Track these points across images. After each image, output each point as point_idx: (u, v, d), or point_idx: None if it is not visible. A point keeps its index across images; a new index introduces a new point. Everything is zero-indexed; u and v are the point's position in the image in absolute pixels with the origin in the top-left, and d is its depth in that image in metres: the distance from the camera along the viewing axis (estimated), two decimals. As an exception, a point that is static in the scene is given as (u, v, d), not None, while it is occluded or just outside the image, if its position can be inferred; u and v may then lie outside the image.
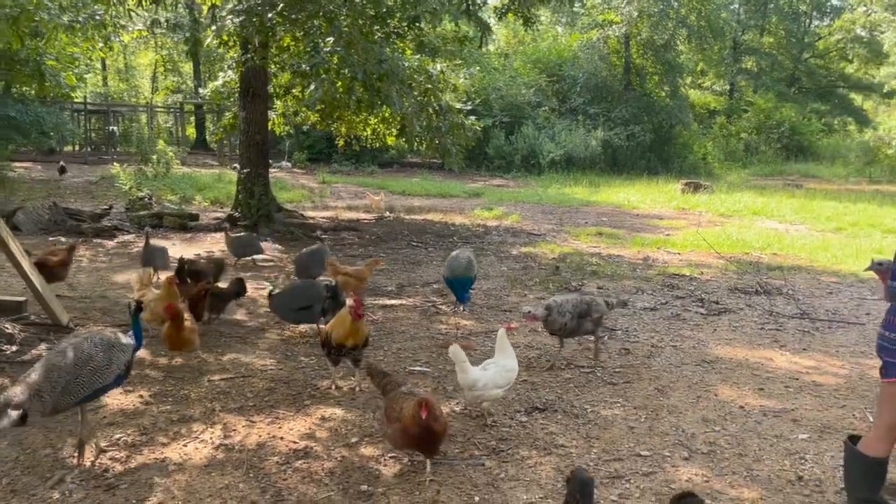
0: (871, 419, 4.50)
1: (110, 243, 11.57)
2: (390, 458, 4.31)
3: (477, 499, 3.86)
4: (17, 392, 3.64)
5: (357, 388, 5.47)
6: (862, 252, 12.11)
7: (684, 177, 25.41)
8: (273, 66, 12.92)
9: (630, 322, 7.70)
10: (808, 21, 46.13)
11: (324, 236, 12.99)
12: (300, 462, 4.20)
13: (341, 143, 17.11)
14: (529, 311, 6.03)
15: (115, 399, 5.07)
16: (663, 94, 32.27)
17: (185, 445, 4.41)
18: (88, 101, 33.41)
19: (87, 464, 4.11)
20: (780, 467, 4.32)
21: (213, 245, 11.68)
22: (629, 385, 5.74)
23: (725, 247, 12.39)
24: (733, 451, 4.52)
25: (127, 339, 4.31)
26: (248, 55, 11.66)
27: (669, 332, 7.34)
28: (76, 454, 4.15)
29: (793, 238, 13.63)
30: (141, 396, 5.16)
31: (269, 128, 14.50)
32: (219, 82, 14.60)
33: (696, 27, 33.33)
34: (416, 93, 12.92)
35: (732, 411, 5.21)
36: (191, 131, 37.10)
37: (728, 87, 44.57)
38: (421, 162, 31.86)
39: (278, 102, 15.03)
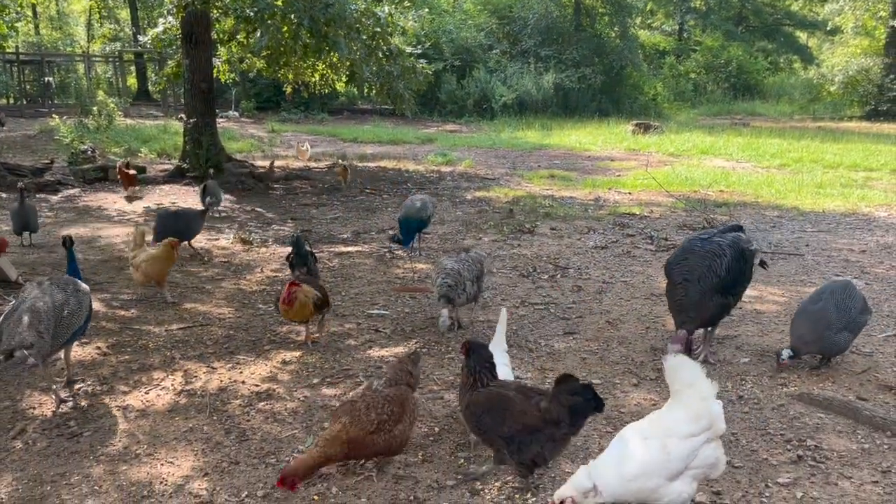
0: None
1: (54, 198, 11.26)
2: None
3: (437, 430, 4.00)
4: (27, 335, 3.89)
5: (318, 338, 5.37)
6: (804, 187, 12.53)
7: (635, 118, 25.64)
8: (215, 11, 12.49)
9: (582, 260, 7.90)
10: (755, -42, 46.25)
11: (276, 186, 12.87)
12: (263, 404, 4.29)
13: (289, 90, 16.73)
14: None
15: (73, 351, 5.04)
16: (613, 34, 32.25)
17: (146, 393, 4.45)
18: (21, 51, 31.89)
19: (69, 403, 4.28)
20: (723, 388, 4.57)
21: (162, 198, 11.47)
22: (581, 319, 5.94)
23: (674, 185, 12.67)
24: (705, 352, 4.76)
25: (83, 284, 4.52)
26: (189, 0, 11.25)
27: (620, 269, 7.56)
28: (60, 393, 4.35)
29: (739, 175, 13.98)
30: (98, 348, 5.14)
31: (214, 76, 14.10)
32: (159, 29, 14.04)
33: (645, -35, 33.24)
34: (364, 36, 12.68)
35: (679, 339, 5.44)
36: (132, 81, 35.81)
37: (677, 27, 44.72)
38: (372, 108, 31.44)
39: (222, 49, 14.60)
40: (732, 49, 37.40)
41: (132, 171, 11.55)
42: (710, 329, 5.10)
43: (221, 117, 24.35)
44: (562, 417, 3.19)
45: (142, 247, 6.30)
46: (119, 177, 11.65)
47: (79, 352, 5.05)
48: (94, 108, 19.14)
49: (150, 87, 33.84)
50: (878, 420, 4.03)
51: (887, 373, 4.80)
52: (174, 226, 7.38)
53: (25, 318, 3.97)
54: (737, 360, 5.05)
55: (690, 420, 2.94)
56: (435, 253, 8.17)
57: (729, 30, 41.75)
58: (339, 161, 14.96)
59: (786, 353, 4.73)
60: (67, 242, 5.00)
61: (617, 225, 9.75)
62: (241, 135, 20.62)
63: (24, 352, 3.85)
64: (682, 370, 3.04)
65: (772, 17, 45.00)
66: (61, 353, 4.45)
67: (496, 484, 3.46)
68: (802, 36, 46.34)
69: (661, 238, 8.95)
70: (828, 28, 38.67)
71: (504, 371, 3.83)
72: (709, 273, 4.70)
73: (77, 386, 4.50)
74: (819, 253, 8.21)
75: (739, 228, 5.16)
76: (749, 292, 6.60)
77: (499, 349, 4.01)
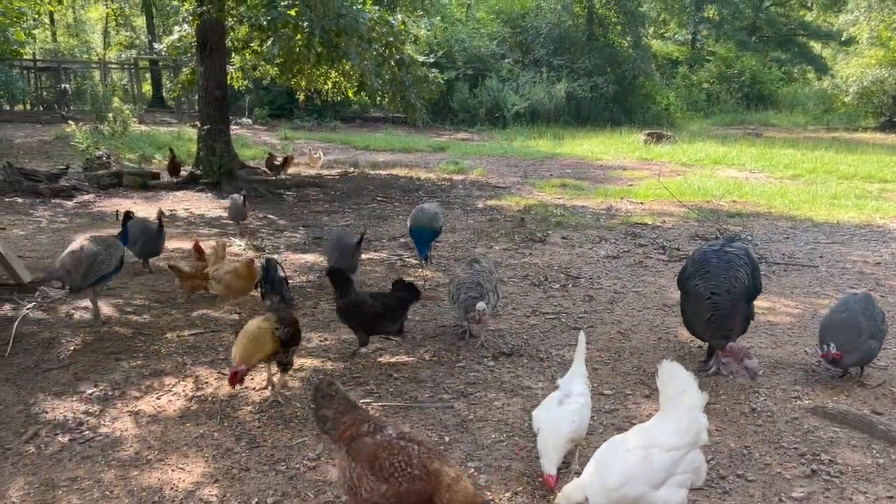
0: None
1: (69, 203, 11.35)
2: (362, 403, 4.42)
3: (447, 439, 4.00)
4: (56, 268, 5.33)
5: (274, 399, 4.45)
6: (818, 198, 12.45)
7: (647, 127, 25.59)
8: (230, 20, 12.60)
9: (594, 270, 7.87)
10: (768, -32, 46.19)
11: (288, 193, 12.92)
12: (273, 410, 4.29)
13: (302, 97, 16.83)
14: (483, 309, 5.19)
15: (85, 356, 5.08)
16: (626, 44, 32.22)
17: (158, 398, 4.46)
18: (38, 57, 32.24)
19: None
20: (736, 401, 4.54)
21: (175, 204, 11.54)
22: (593, 329, 5.91)
23: (687, 195, 12.62)
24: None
25: (118, 242, 5.93)
26: (204, 8, 11.34)
27: (632, 279, 7.53)
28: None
29: (752, 185, 13.91)
30: (111, 353, 5.17)
31: (228, 83, 14.20)
32: (174, 36, 14.16)
33: (658, -25, 33.25)
34: (376, 45, 12.74)
35: (692, 351, 5.42)
36: (147, 88, 36.07)
37: (690, 37, 44.64)
38: (384, 116, 31.53)
39: (236, 57, 14.70)
40: (746, 59, 37.31)
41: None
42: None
43: (235, 124, 24.49)
44: (395, 306, 5.01)
45: (223, 259, 6.20)
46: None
47: (91, 357, 5.08)
48: (110, 115, 19.31)
49: (164, 94, 34.10)
50: (893, 434, 3.99)
51: (903, 386, 4.75)
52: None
53: (62, 260, 5.33)
54: (750, 372, 5.00)
55: (678, 433, 2.96)
56: (446, 261, 8.17)
57: (742, 40, 41.67)
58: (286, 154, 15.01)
59: (834, 346, 4.63)
60: (128, 216, 6.73)
61: (629, 235, 9.72)
62: (254, 142, 20.74)
63: (55, 283, 5.56)
64: (676, 377, 3.07)
65: (785, 27, 44.90)
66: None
67: (506, 494, 3.45)
68: (816, 46, 46.15)
69: (674, 248, 8.91)
70: (842, 38, 38.46)
71: (581, 402, 3.54)
72: (736, 283, 4.68)
73: (89, 391, 4.53)
74: (833, 265, 8.15)
75: (735, 239, 5.18)
76: (762, 304, 6.57)
77: (578, 375, 3.74)
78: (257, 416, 4.22)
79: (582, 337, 3.89)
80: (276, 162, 13.95)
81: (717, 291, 4.66)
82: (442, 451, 3.06)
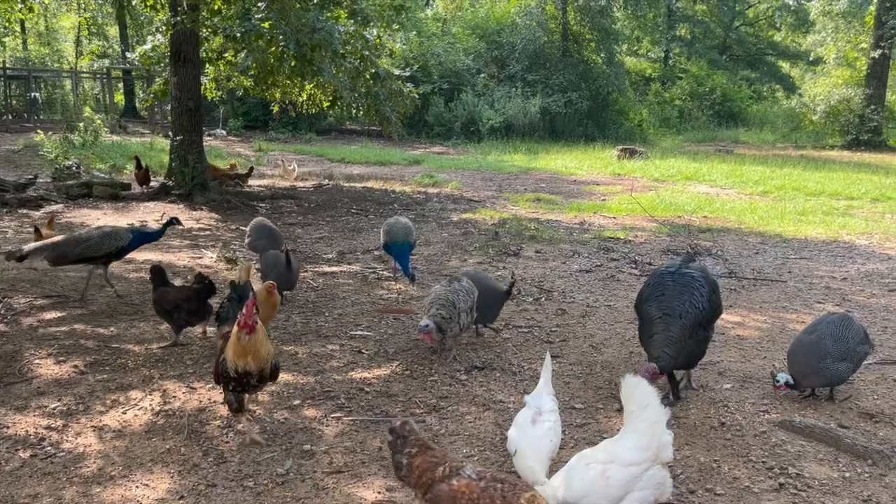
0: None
1: (37, 213, 11.14)
2: (333, 418, 4.38)
3: (418, 454, 3.96)
4: (31, 245, 6.48)
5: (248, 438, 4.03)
6: (786, 214, 12.66)
7: (620, 143, 25.87)
8: (205, 30, 12.52)
9: (566, 284, 7.91)
10: (738, -11, 47.20)
11: (262, 205, 12.83)
12: (242, 425, 4.23)
13: (276, 108, 16.74)
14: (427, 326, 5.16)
15: (49, 369, 4.97)
16: (600, 60, 32.63)
17: (123, 413, 4.37)
18: (7, 65, 31.76)
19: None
20: (706, 415, 4.57)
21: (146, 215, 11.39)
22: (565, 343, 5.93)
23: (659, 211, 12.76)
24: (663, 402, 4.74)
25: (126, 234, 6.64)
26: (179, 18, 11.27)
27: (604, 293, 7.58)
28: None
29: (722, 201, 14.11)
30: (76, 367, 5.06)
31: (202, 93, 14.10)
32: (148, 46, 14.02)
33: (631, -6, 33.80)
34: (352, 58, 12.74)
35: (662, 365, 5.44)
36: (119, 98, 35.69)
37: (663, 55, 45.38)
38: (360, 129, 31.53)
39: (210, 67, 14.60)
40: (717, 77, 37.98)
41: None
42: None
43: (208, 135, 24.32)
44: (193, 297, 5.43)
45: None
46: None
47: (55, 370, 4.97)
48: (81, 125, 19.05)
49: (137, 104, 33.74)
50: (859, 448, 4.04)
51: (868, 401, 4.82)
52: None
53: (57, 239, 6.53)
54: (719, 387, 5.05)
55: (638, 449, 2.96)
56: (420, 274, 8.15)
57: (713, 58, 42.46)
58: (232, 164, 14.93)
59: (783, 378, 4.68)
60: (174, 222, 7.26)
61: (601, 249, 9.79)
62: (228, 153, 20.58)
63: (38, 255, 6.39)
64: (639, 390, 3.06)
65: (755, 46, 45.89)
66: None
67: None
68: (785, 66, 47.17)
69: (646, 263, 8.99)
70: (810, 58, 39.37)
71: (553, 419, 3.55)
72: (691, 308, 4.50)
73: (53, 405, 4.43)
74: (801, 280, 8.28)
75: (693, 259, 5.09)
76: (731, 318, 6.66)
77: (545, 392, 3.71)
78: (225, 431, 4.15)
79: (548, 356, 3.89)
80: (232, 172, 13.90)
81: (669, 313, 4.52)
82: (525, 483, 2.91)
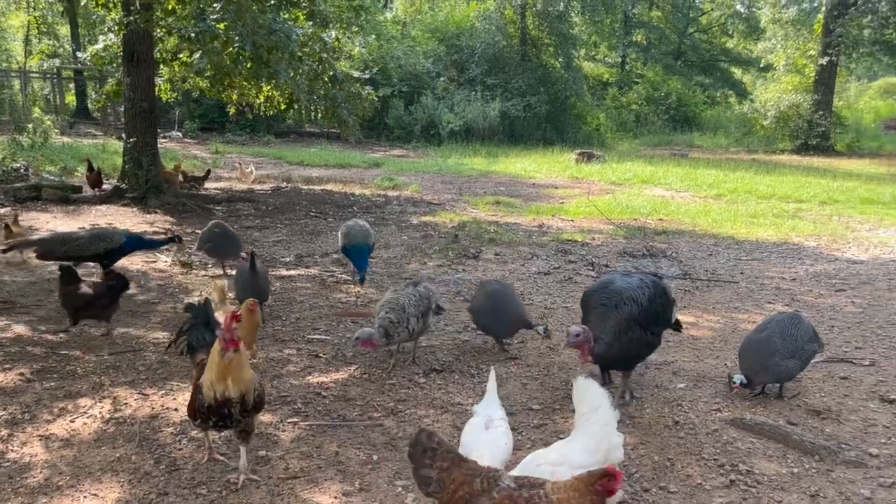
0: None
1: (-18, 217, 10.80)
2: (289, 423, 4.33)
3: (375, 457, 3.95)
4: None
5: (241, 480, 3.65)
6: (739, 216, 12.95)
7: (578, 147, 26.15)
8: (159, 30, 12.29)
9: (525, 286, 7.96)
10: (693, -4, 48.21)
11: (218, 208, 12.64)
12: (196, 431, 4.15)
13: (233, 110, 16.51)
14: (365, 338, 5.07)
15: (-6, 378, 4.82)
16: (558, 65, 32.93)
17: (71, 421, 4.26)
18: (-48, 64, 30.73)
19: None
20: (660, 414, 4.64)
21: (98, 219, 11.12)
22: (523, 345, 5.97)
23: (615, 213, 12.93)
24: (618, 401, 4.81)
25: (119, 237, 6.68)
26: (131, 17, 11.04)
27: (562, 294, 7.65)
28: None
29: (677, 204, 14.37)
30: (22, 374, 4.91)
31: (157, 95, 13.84)
32: (100, 46, 13.68)
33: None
34: (310, 60, 12.64)
35: (618, 365, 5.52)
36: (70, 99, 34.79)
37: (619, 60, 46.00)
38: (319, 131, 31.27)
39: (165, 68, 14.35)
40: (672, 82, 38.64)
41: None
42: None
43: (164, 137, 23.88)
44: (105, 293, 5.70)
45: (223, 304, 5.34)
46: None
47: (0, 378, 4.82)
48: (30, 126, 18.53)
49: (89, 105, 32.94)
50: (807, 444, 4.15)
51: (816, 398, 4.95)
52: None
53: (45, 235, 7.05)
54: (673, 386, 5.14)
55: (587, 451, 2.99)
56: (379, 278, 8.12)
57: (668, 64, 43.18)
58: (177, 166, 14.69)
59: (738, 379, 4.79)
60: (177, 239, 7.50)
61: (559, 251, 9.88)
62: (183, 155, 20.21)
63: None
64: (590, 392, 3.08)
65: (709, 53, 46.83)
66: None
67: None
68: (737, 72, 48.21)
69: (603, 265, 9.10)
70: (761, 65, 40.33)
71: (504, 426, 3.54)
72: (629, 302, 4.50)
73: (-3, 414, 4.30)
74: (752, 280, 8.47)
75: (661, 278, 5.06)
76: (685, 319, 6.76)
77: (493, 402, 3.71)
78: (178, 438, 4.08)
79: (492, 371, 3.87)
80: (175, 172, 13.66)
81: (606, 304, 4.55)
82: (568, 482, 2.69)
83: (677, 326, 5.22)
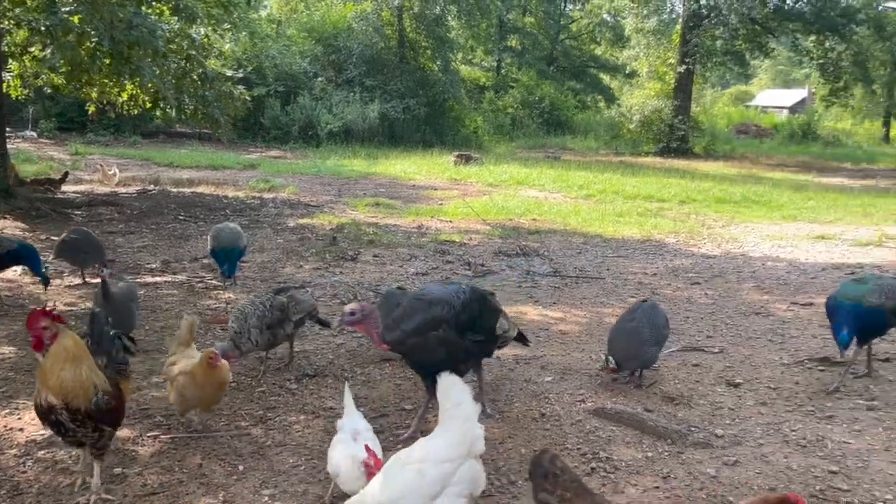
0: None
1: None
2: (149, 436, 4.13)
3: (241, 467, 3.84)
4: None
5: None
6: (606, 216, 13.59)
7: (457, 149, 26.52)
8: (6, 22, 11.37)
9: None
10: (563, 4, 50.09)
11: (77, 213, 11.87)
12: (43, 452, 3.88)
13: (93, 109, 15.51)
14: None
15: None
16: (436, 68, 33.29)
17: None
18: None
19: None
20: (528, 407, 4.79)
21: (-63, 225, 10.17)
22: (398, 346, 5.97)
23: (491, 214, 13.23)
24: (489, 396, 4.91)
25: (9, 243, 6.47)
26: (-28, 7, 10.17)
27: (437, 295, 7.73)
28: None
29: (550, 205, 14.89)
30: None
31: (5, 91, 12.80)
32: (-63, 37, 12.53)
33: (465, 4, 34.73)
34: (177, 57, 12.11)
35: (490, 361, 5.63)
36: None
37: (495, 64, 47.12)
38: (191, 132, 29.96)
39: (14, 63, 13.30)
40: (545, 87, 40.01)
41: None
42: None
43: (16, 137, 22.16)
44: None
45: (188, 346, 4.39)
46: None
47: None
48: None
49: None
50: (660, 429, 4.41)
51: (670, 385, 5.27)
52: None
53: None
54: (541, 380, 5.31)
55: (451, 446, 3.04)
56: (252, 282, 7.91)
57: (542, 69, 44.69)
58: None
59: (612, 360, 5.02)
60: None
61: (438, 252, 9.99)
62: (39, 157, 18.86)
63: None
64: (453, 389, 3.13)
65: (579, 59, 48.89)
66: None
67: (302, 520, 3.37)
68: (606, 78, 50.60)
69: (479, 264, 9.29)
70: (626, 72, 42.56)
71: (370, 436, 3.50)
72: (440, 303, 4.29)
73: None
74: (617, 276, 8.91)
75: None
76: (554, 314, 7.04)
77: (355, 414, 3.65)
78: (23, 461, 3.79)
79: (346, 386, 3.79)
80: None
81: (419, 298, 4.37)
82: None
83: (521, 339, 5.11)
